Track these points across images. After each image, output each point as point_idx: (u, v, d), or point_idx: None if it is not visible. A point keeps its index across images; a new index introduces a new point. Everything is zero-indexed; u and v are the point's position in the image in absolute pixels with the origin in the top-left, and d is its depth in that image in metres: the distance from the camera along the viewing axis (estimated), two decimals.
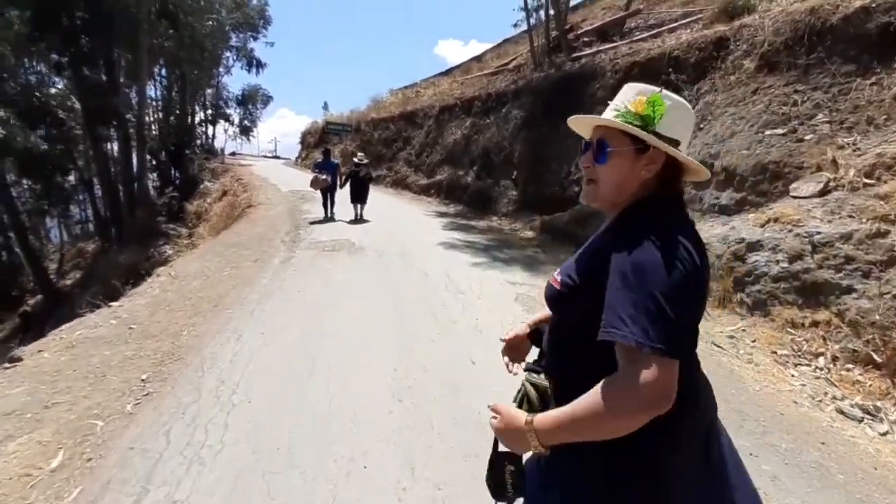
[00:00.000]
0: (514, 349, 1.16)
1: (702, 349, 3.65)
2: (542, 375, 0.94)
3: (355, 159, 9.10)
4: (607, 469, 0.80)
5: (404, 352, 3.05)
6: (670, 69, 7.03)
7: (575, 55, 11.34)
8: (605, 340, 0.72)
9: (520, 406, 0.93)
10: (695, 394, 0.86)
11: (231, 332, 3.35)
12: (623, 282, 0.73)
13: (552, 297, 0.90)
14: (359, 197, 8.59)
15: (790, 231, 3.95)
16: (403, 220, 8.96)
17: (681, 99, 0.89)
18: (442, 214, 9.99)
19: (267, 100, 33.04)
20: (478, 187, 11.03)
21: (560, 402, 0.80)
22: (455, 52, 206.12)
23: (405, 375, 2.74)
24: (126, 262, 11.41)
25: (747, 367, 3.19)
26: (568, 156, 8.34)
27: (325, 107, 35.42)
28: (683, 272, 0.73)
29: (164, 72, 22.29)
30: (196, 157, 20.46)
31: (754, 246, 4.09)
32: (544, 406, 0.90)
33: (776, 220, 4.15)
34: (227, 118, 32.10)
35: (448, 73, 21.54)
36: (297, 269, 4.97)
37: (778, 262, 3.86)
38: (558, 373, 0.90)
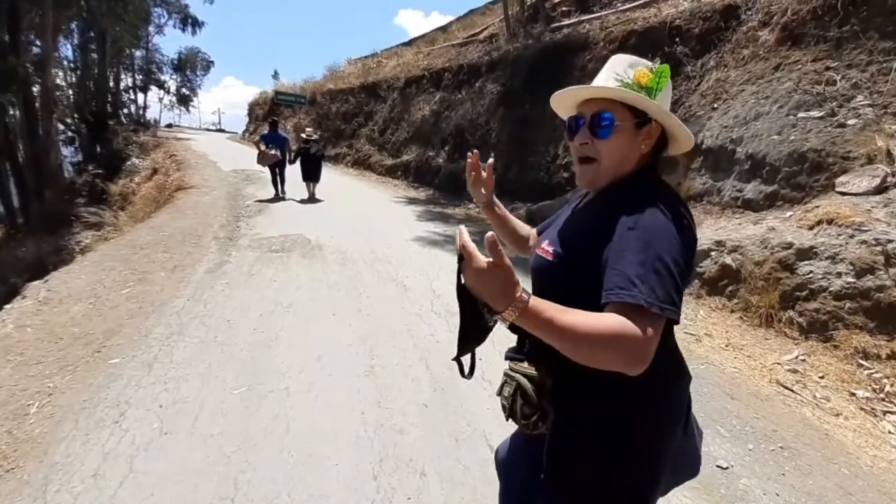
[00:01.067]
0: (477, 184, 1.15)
1: (768, 393, 2.92)
2: (526, 363, 0.87)
3: (304, 135, 8.29)
4: (603, 448, 0.79)
5: (387, 437, 1.99)
6: (677, 40, 6.16)
7: (555, 25, 10.29)
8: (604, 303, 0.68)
9: (513, 402, 0.86)
10: (679, 367, 0.85)
11: (109, 406, 2.13)
12: (633, 245, 0.69)
13: (543, 269, 0.85)
14: (311, 175, 7.83)
15: (852, 237, 3.23)
16: (369, 207, 7.70)
17: None
18: (412, 200, 8.81)
19: (207, 65, 29.58)
20: (450, 170, 9.89)
21: (558, 393, 0.81)
22: (416, 22, 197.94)
23: (392, 491, 1.69)
24: (26, 256, 9.32)
25: (836, 423, 2.44)
26: (555, 137, 7.38)
27: (276, 75, 32.18)
28: (687, 240, 0.73)
29: (84, 28, 18.79)
30: (121, 128, 17.61)
31: (806, 253, 3.35)
32: (540, 401, 0.83)
33: (830, 221, 3.42)
34: (160, 84, 28.40)
35: (411, 43, 19.78)
36: (229, 284, 3.70)
37: (840, 274, 3.13)
38: (548, 357, 0.79)
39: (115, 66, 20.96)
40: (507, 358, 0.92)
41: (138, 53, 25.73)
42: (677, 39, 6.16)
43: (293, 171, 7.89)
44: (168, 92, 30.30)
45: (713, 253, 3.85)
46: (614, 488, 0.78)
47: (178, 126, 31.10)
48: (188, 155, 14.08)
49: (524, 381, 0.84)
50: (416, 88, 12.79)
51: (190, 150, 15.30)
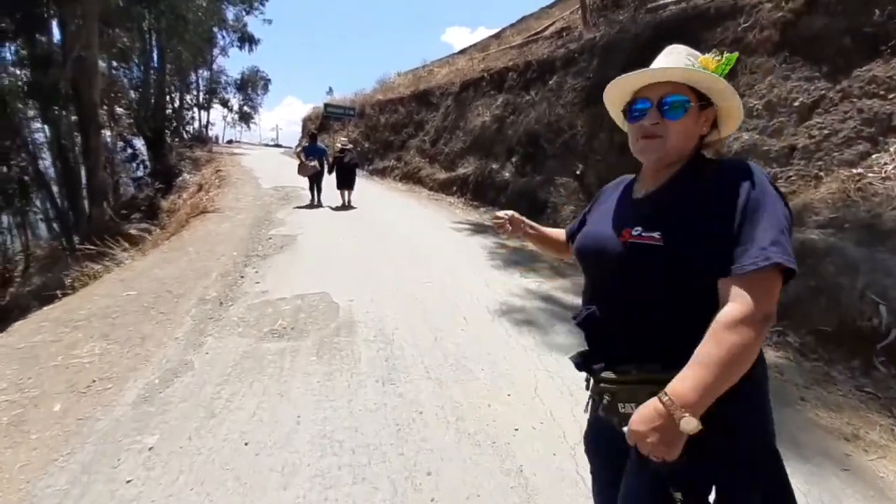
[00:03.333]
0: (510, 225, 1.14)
1: None
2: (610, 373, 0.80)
3: (338, 144, 8.34)
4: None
5: None
6: None
7: (652, 5, 7.83)
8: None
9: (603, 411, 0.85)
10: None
11: None
12: (760, 215, 0.71)
13: (645, 254, 0.77)
14: (345, 182, 7.81)
15: None
16: (423, 239, 5.65)
17: None
18: (476, 228, 6.65)
19: (266, 83, 29.43)
20: (521, 186, 7.65)
21: (630, 341, 0.80)
22: (462, 38, 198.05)
23: None
24: (52, 283, 8.19)
25: None
26: None
27: (330, 91, 31.66)
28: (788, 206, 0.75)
29: (144, 47, 18.67)
30: (176, 144, 17.09)
31: None
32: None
33: None
34: (224, 103, 28.58)
35: (463, 52, 17.83)
36: (153, 453, 1.70)
37: None
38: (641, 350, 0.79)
39: (179, 85, 20.86)
40: (595, 378, 0.84)
41: (205, 73, 25.91)
42: None
43: (329, 180, 7.86)
44: (231, 110, 30.62)
45: None
46: (742, 441, 0.74)
47: (238, 142, 31.39)
48: (234, 170, 12.95)
49: (615, 388, 0.80)
50: (473, 92, 10.73)
51: (238, 166, 14.24)
